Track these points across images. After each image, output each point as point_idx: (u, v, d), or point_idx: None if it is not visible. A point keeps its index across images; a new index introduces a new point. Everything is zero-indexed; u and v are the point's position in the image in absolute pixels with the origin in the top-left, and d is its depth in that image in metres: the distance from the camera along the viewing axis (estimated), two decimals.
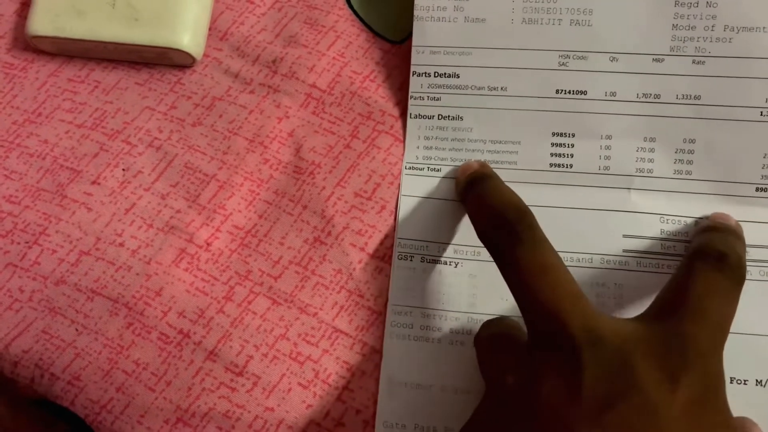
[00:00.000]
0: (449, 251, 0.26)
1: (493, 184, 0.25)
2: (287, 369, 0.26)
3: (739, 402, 0.21)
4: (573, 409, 0.18)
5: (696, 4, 0.26)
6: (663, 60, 0.27)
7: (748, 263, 0.26)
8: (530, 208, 0.24)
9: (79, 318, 0.26)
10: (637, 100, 0.27)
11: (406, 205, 0.27)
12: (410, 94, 0.28)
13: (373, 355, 0.26)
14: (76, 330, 0.26)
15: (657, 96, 0.27)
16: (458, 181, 0.27)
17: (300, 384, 0.26)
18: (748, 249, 0.26)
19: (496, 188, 0.24)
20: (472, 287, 0.26)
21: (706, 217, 0.26)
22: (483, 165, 0.27)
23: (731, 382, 0.24)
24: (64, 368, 0.26)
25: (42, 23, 0.28)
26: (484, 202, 0.24)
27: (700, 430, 0.18)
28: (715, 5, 0.26)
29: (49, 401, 0.26)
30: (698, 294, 0.21)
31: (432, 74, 0.28)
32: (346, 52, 0.30)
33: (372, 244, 0.27)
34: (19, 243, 0.27)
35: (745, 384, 0.25)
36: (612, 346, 0.19)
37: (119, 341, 0.26)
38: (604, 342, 0.19)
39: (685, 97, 0.27)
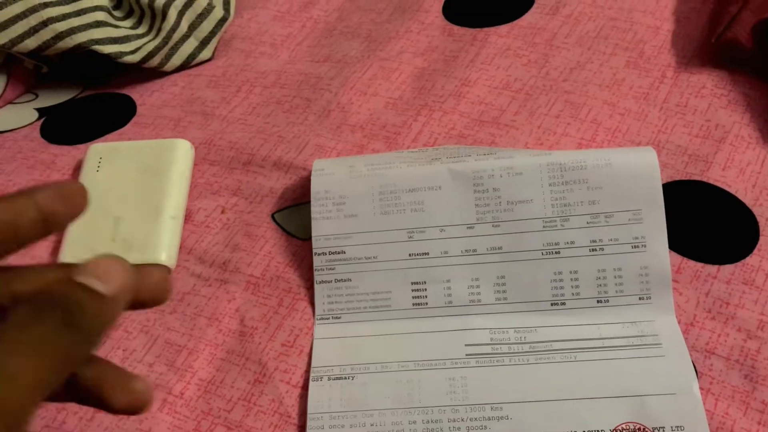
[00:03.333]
0: (347, 369, 0.38)
1: None
2: None
3: None
4: None
5: (487, 190, 0.41)
6: (473, 227, 0.40)
7: (552, 352, 0.37)
8: (401, 336, 0.37)
9: None
10: (462, 254, 0.40)
11: (318, 345, 0.39)
12: (314, 267, 0.41)
13: None
14: None
15: (474, 250, 0.40)
16: None
17: None
18: (548, 343, 0.37)
19: None
20: (364, 392, 0.37)
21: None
22: None
23: None
24: None
25: (68, 258, 0.43)
26: None
27: None
28: (498, 189, 0.40)
29: None
30: None
31: (327, 253, 0.41)
32: (272, 250, 0.44)
33: (295, 378, 0.39)
34: (51, 410, 0.39)
35: None
36: None
37: None
38: None
39: (492, 249, 0.40)
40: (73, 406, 0.39)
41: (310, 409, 0.37)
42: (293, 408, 0.38)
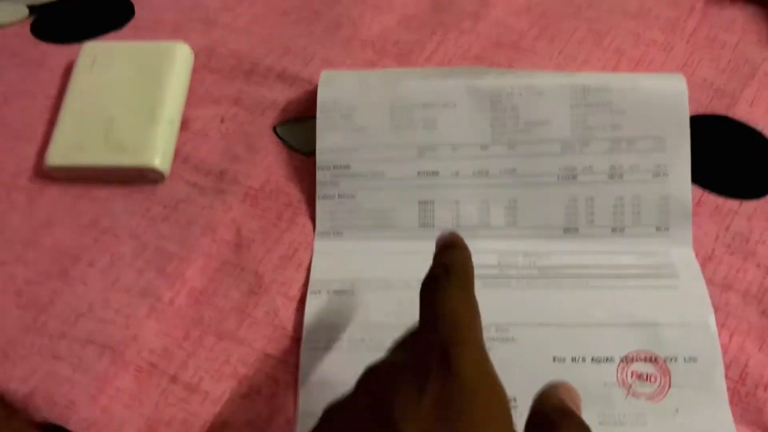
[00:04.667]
0: (347, 284, 0.36)
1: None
2: (229, 386, 0.34)
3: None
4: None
5: (505, 110, 0.39)
6: (487, 147, 0.38)
7: (563, 278, 0.36)
8: (406, 255, 0.35)
9: (75, 361, 0.35)
10: (473, 175, 0.38)
11: (318, 258, 0.38)
12: (317, 181, 0.39)
13: (294, 370, 0.35)
14: (72, 369, 0.35)
15: (486, 172, 0.38)
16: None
17: (239, 396, 0.34)
18: (558, 269, 0.36)
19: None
20: (364, 307, 0.35)
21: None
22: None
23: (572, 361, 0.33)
24: (63, 396, 0.34)
25: (56, 157, 0.40)
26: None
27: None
28: (516, 108, 0.38)
29: (51, 423, 0.34)
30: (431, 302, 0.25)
31: (331, 167, 0.39)
32: (273, 163, 0.42)
33: (292, 292, 0.37)
34: (32, 311, 0.37)
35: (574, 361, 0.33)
36: None
37: (104, 375, 0.35)
38: None
39: (505, 171, 0.38)
40: (54, 309, 0.37)
41: (306, 321, 0.35)
42: (289, 320, 0.36)
